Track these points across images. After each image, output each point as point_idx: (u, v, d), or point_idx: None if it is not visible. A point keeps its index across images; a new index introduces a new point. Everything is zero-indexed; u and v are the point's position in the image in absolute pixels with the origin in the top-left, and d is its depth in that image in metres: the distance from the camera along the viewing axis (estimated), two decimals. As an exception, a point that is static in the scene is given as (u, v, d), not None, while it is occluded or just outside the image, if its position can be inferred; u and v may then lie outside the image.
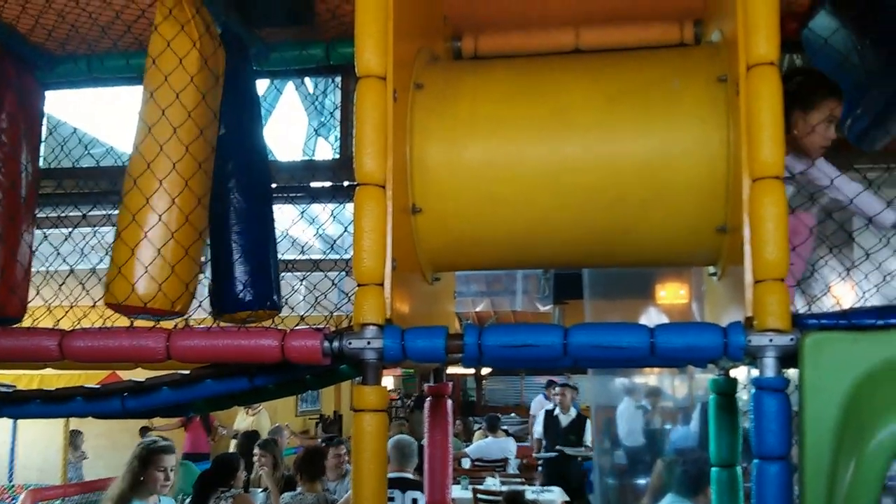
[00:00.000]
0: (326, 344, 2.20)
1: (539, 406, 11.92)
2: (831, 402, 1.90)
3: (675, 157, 2.26)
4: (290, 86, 7.86)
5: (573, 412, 9.87)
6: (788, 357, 2.03)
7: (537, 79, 2.42)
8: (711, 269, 2.57)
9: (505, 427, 13.99)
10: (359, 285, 2.18)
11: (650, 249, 2.43)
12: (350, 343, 2.17)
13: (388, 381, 14.76)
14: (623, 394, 8.62)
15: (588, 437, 9.47)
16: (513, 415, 16.56)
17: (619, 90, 2.33)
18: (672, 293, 7.00)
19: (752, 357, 2.07)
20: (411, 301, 2.45)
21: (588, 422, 9.50)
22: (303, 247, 3.52)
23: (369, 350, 2.16)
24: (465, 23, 2.91)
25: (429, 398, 3.06)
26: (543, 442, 9.96)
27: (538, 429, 10.43)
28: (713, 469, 2.95)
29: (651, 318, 5.73)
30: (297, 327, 2.30)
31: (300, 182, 3.60)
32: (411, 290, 2.45)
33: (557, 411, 9.94)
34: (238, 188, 2.77)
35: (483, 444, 9.98)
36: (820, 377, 1.92)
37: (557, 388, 10.28)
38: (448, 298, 2.97)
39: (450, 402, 3.07)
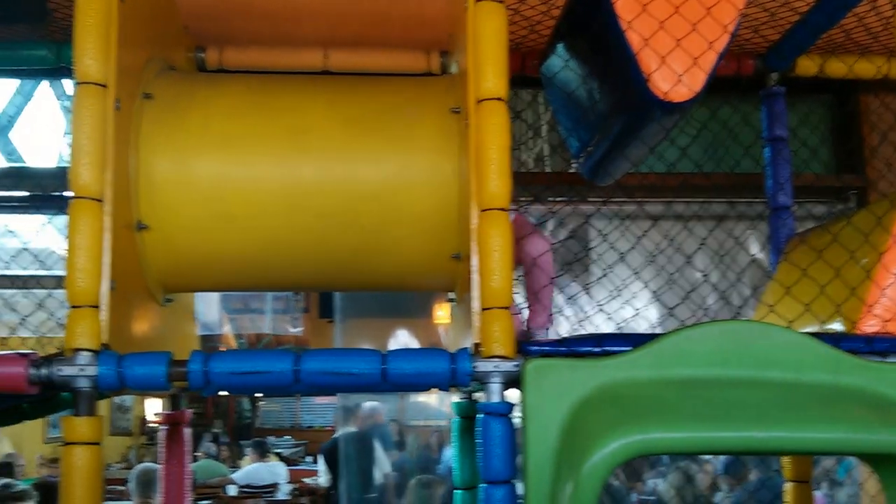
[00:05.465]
0: (33, 371, 1.98)
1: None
2: (551, 425, 1.96)
3: (408, 185, 2.27)
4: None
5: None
6: (513, 382, 2.09)
7: (275, 97, 2.36)
8: (452, 295, 2.60)
9: (279, 450, 13.69)
10: (72, 307, 2.00)
11: (387, 274, 2.42)
12: (60, 370, 1.98)
13: (157, 403, 13.95)
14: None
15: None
16: (287, 437, 16.19)
17: (356, 115, 2.31)
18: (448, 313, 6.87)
19: (479, 382, 2.11)
20: (138, 324, 2.30)
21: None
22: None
23: (82, 378, 1.98)
24: (209, 34, 2.80)
25: (165, 427, 2.88)
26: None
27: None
28: (456, 491, 2.99)
29: (399, 340, 5.78)
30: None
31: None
32: (138, 313, 2.30)
33: None
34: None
35: (251, 470, 9.60)
36: (541, 402, 1.98)
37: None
38: (187, 321, 2.82)
39: (187, 430, 2.91)
